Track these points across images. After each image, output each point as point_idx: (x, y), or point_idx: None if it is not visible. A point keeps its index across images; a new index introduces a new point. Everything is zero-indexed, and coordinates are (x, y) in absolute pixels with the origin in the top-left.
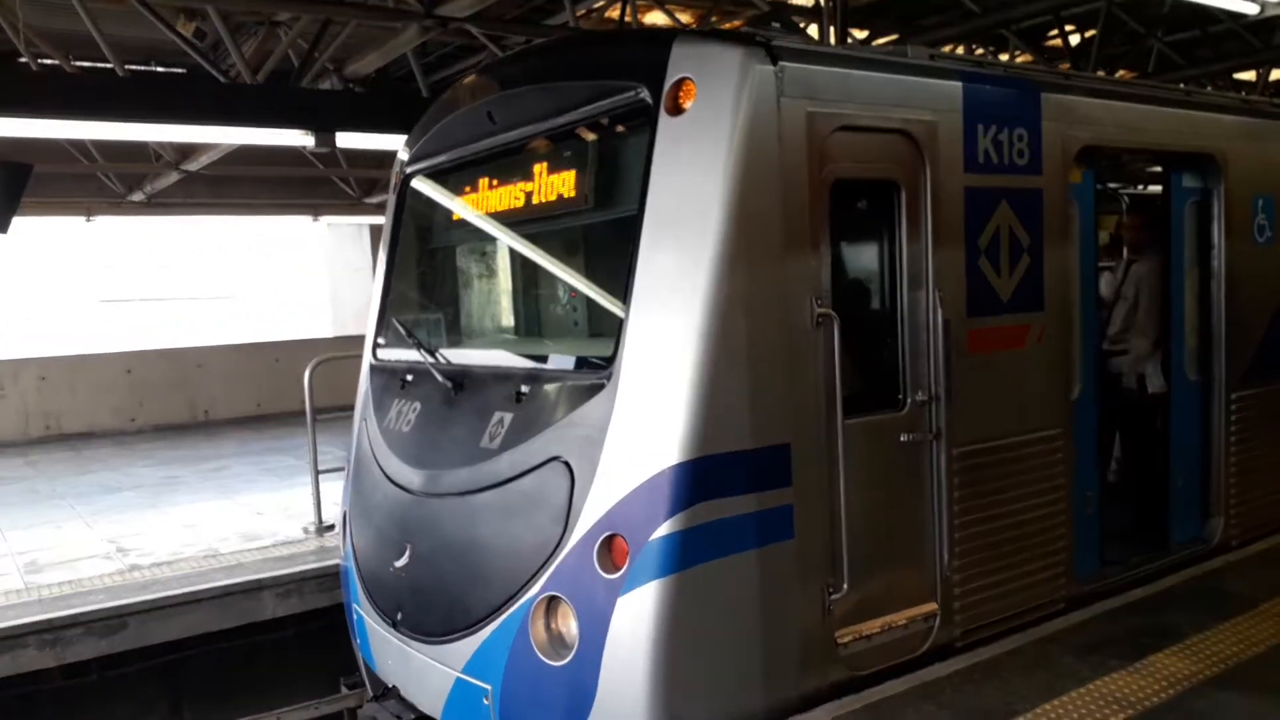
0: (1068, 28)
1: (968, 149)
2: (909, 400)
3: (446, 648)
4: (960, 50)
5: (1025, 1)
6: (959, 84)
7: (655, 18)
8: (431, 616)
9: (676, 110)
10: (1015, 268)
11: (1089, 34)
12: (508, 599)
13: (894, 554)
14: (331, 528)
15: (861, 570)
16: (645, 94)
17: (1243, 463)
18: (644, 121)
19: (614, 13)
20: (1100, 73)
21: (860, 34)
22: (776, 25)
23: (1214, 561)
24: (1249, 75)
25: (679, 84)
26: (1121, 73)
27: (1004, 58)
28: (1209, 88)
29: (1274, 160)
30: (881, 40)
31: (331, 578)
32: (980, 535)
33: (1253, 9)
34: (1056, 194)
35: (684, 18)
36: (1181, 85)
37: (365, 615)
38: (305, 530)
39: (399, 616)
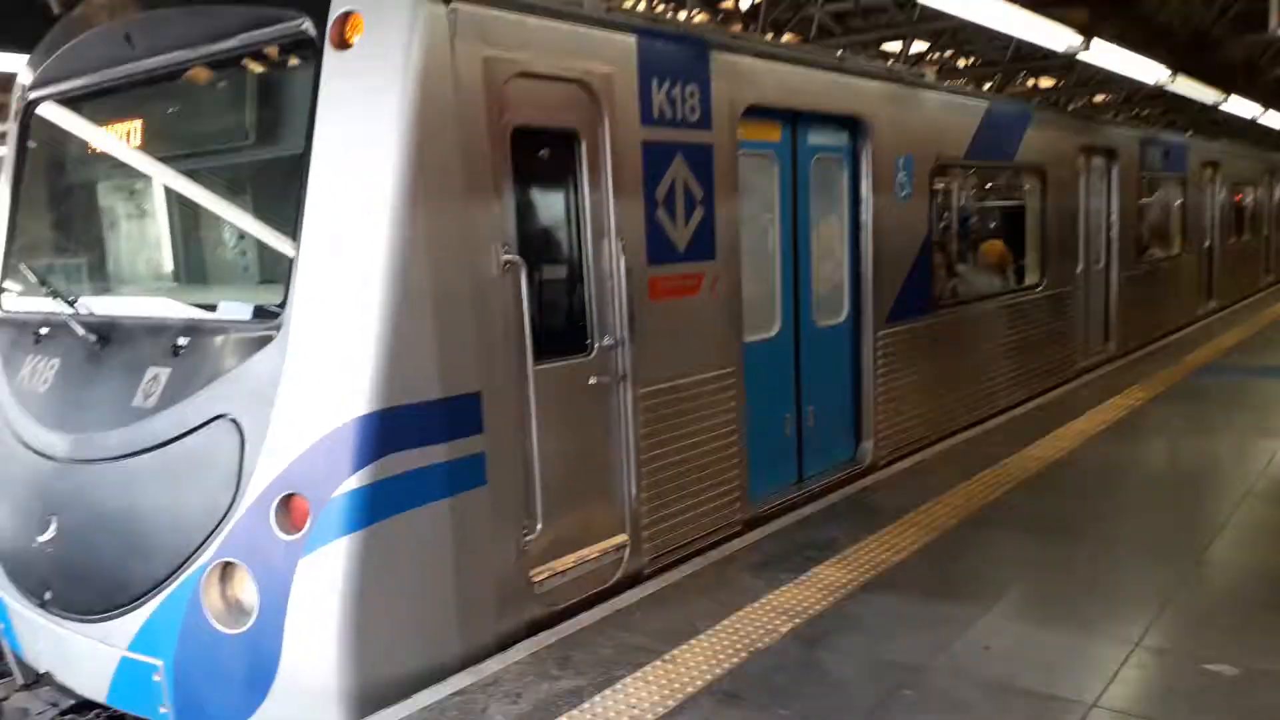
0: None
1: (643, 102)
2: (596, 345)
3: (107, 625)
4: (641, 6)
5: None
6: (634, 38)
7: None
8: (87, 593)
9: (343, 44)
10: (690, 219)
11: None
12: (176, 568)
13: (585, 491)
14: None
15: (555, 509)
16: (309, 25)
17: (888, 392)
18: (307, 54)
19: None
20: (769, 36)
21: None
22: None
23: (866, 480)
24: (895, 46)
25: (345, 17)
26: (787, 37)
27: (681, 16)
28: (862, 56)
29: (912, 124)
30: None
31: None
32: (664, 469)
33: None
34: (726, 149)
35: None
36: (840, 54)
37: (6, 596)
38: None
39: (47, 596)
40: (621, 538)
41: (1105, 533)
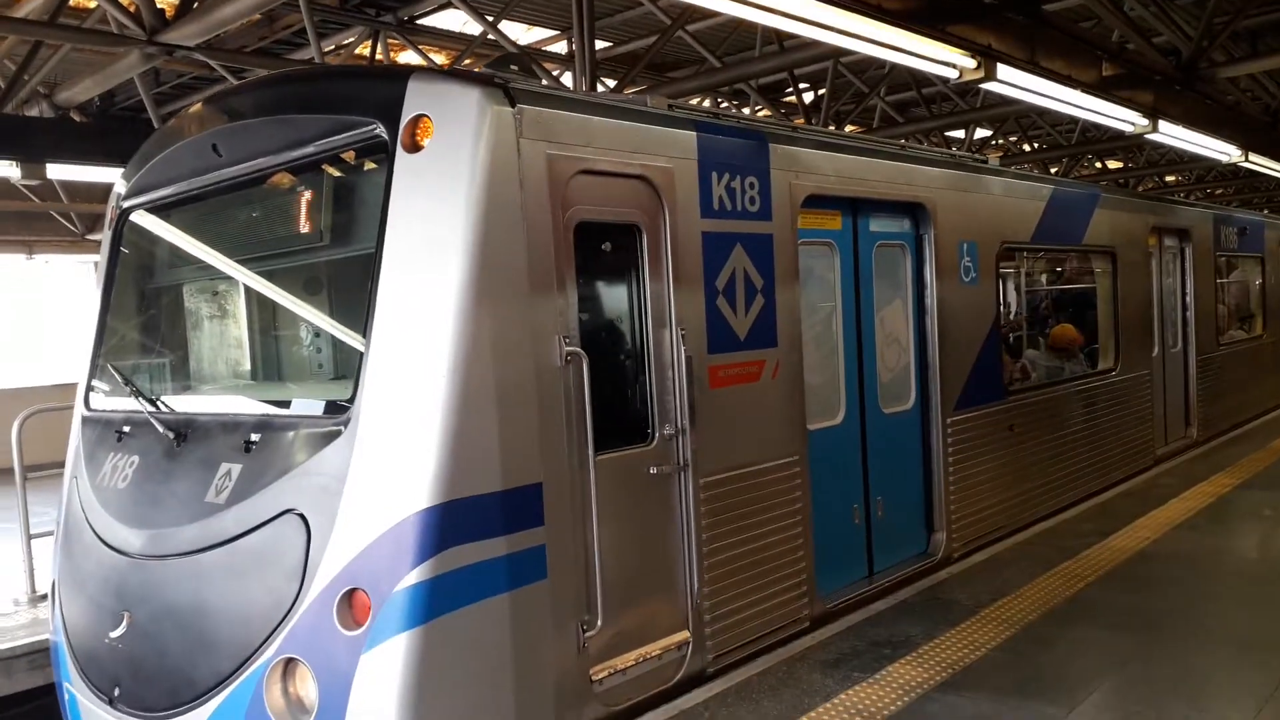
0: (801, 85)
1: (703, 195)
2: (657, 434)
3: None
4: (706, 103)
5: (763, 59)
6: (693, 133)
7: (409, 58)
8: (154, 690)
9: (414, 147)
10: (750, 307)
11: (821, 91)
12: (240, 665)
13: (646, 585)
14: (46, 598)
15: (615, 604)
16: (381, 130)
17: (960, 482)
18: (380, 158)
19: (364, 50)
20: (831, 127)
21: (610, 82)
22: (514, 68)
23: (940, 574)
24: (959, 133)
25: (416, 121)
26: (850, 128)
27: (745, 111)
28: (925, 144)
29: (975, 209)
30: (631, 91)
31: (47, 654)
32: (727, 562)
33: (952, 74)
34: (786, 239)
35: (439, 58)
36: (902, 142)
37: (78, 694)
38: (16, 602)
39: (116, 692)
40: (684, 634)
41: (1194, 629)
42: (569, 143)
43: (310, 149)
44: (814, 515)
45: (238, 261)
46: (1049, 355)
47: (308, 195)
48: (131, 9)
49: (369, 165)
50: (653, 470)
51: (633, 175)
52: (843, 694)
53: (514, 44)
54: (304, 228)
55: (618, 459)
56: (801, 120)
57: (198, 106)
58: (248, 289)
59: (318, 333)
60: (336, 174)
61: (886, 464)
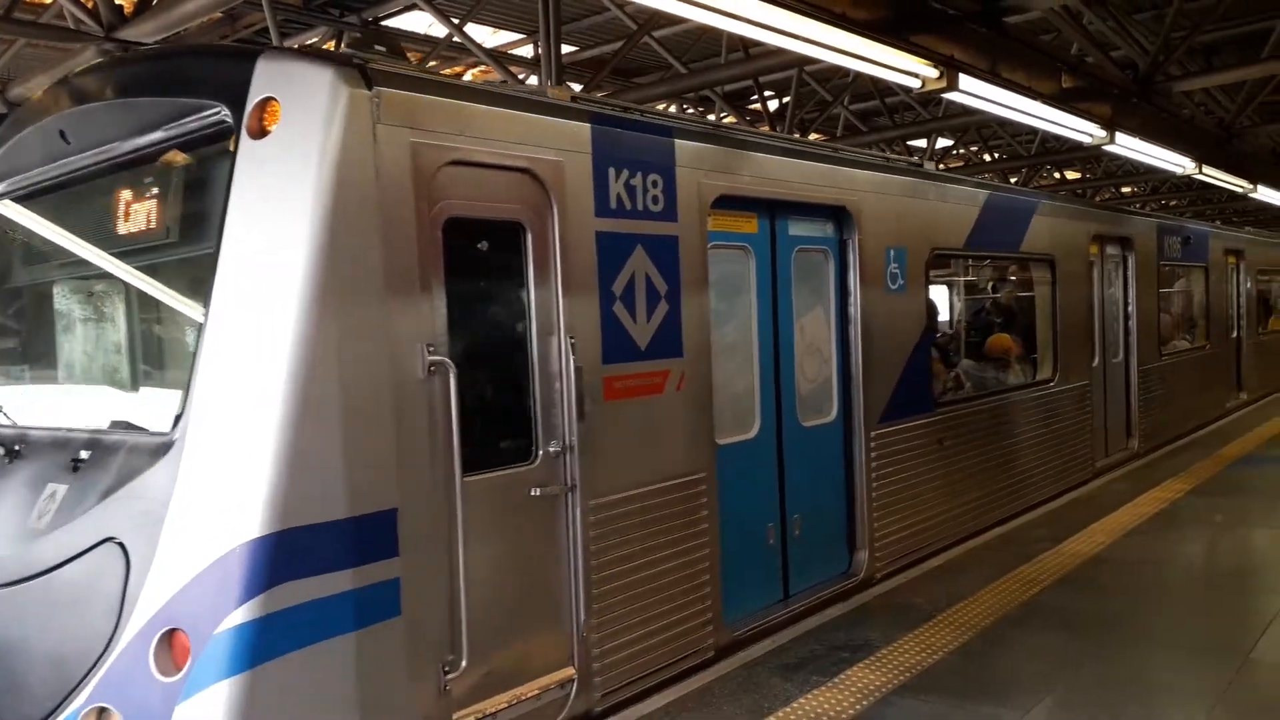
0: (766, 93)
1: (598, 192)
2: (541, 452)
3: None
4: (672, 109)
5: (728, 66)
6: (587, 125)
7: None
8: None
9: (260, 133)
10: (652, 314)
11: (785, 99)
12: (49, 713)
13: (525, 619)
14: None
15: (486, 642)
16: (226, 114)
17: (885, 498)
18: (228, 145)
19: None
20: (796, 135)
21: (577, 87)
22: (381, 49)
23: (892, 580)
24: (921, 142)
25: (263, 104)
26: (815, 136)
27: (710, 118)
28: (888, 152)
29: (903, 214)
30: (600, 95)
31: None
32: (619, 590)
33: (915, 83)
34: (693, 241)
35: None
36: (874, 150)
37: None
38: None
39: None
40: (568, 671)
41: (1147, 631)
42: (437, 130)
43: (157, 135)
44: (722, 536)
45: (81, 260)
46: (984, 365)
47: (152, 187)
48: (89, 4)
49: (215, 153)
50: (535, 492)
51: (515, 168)
52: (802, 698)
53: (479, 47)
54: (148, 223)
55: (493, 480)
56: (766, 128)
57: (46, 91)
58: (91, 291)
59: (155, 339)
60: (182, 163)
61: (805, 480)
